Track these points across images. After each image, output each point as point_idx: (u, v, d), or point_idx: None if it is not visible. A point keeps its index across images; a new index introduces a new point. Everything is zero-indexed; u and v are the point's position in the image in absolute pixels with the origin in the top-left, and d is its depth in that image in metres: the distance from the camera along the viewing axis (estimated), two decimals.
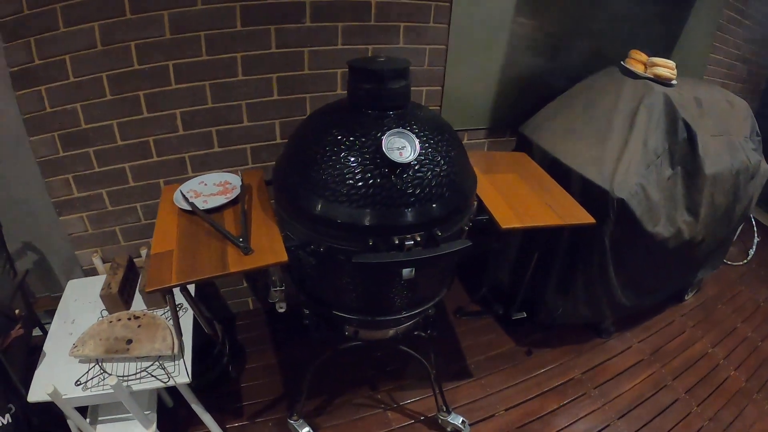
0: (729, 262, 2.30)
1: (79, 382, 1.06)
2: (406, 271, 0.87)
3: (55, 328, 1.20)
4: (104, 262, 1.41)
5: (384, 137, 0.84)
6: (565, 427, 1.44)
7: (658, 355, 1.71)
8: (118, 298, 1.21)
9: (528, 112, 1.72)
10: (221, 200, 1.06)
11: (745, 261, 2.32)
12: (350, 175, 0.85)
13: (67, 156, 1.25)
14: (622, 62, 1.60)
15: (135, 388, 1.06)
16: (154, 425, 1.14)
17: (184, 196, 1.06)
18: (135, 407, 1.07)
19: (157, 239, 0.95)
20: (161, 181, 1.38)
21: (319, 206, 0.87)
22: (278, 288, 0.92)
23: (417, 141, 0.86)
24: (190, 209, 1.01)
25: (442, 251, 0.86)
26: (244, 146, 1.42)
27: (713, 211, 1.51)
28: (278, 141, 1.45)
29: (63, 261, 1.46)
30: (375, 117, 0.90)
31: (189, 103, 1.30)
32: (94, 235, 1.40)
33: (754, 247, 2.36)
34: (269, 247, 0.90)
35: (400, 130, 0.86)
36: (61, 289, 1.33)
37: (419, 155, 0.86)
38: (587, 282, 1.51)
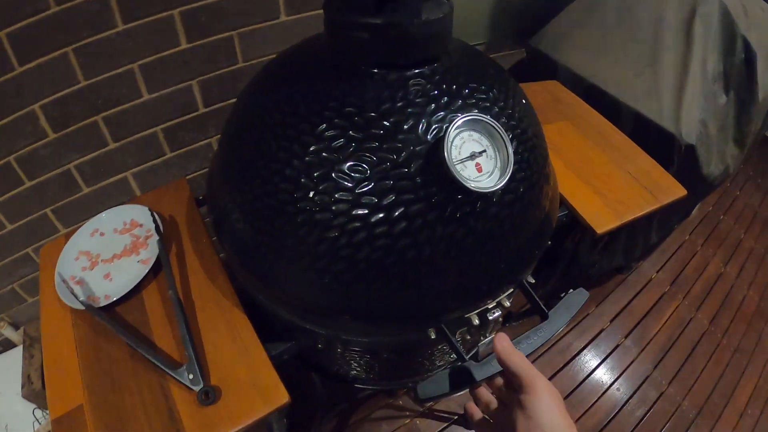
0: None
1: None
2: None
3: None
4: (17, 328, 1.02)
5: (447, 139, 0.43)
6: (609, 387, 1.33)
7: (678, 285, 1.64)
8: (44, 392, 0.85)
9: (538, 19, 1.26)
10: (133, 270, 0.64)
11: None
12: (366, 228, 0.45)
13: None
14: None
15: None
16: None
17: (65, 281, 0.63)
18: None
19: (52, 382, 0.57)
20: (47, 210, 0.93)
21: (323, 288, 0.49)
22: None
23: (505, 135, 0.46)
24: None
25: (560, 323, 0.54)
26: (152, 130, 0.95)
27: (755, 140, 1.26)
28: (202, 110, 0.98)
29: None
30: (392, 83, 0.46)
31: (49, 88, 0.79)
32: None
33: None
34: (247, 375, 0.53)
35: (475, 116, 0.45)
36: None
37: (516, 161, 0.48)
38: (630, 233, 1.25)
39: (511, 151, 0.46)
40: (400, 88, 0.46)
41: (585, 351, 1.42)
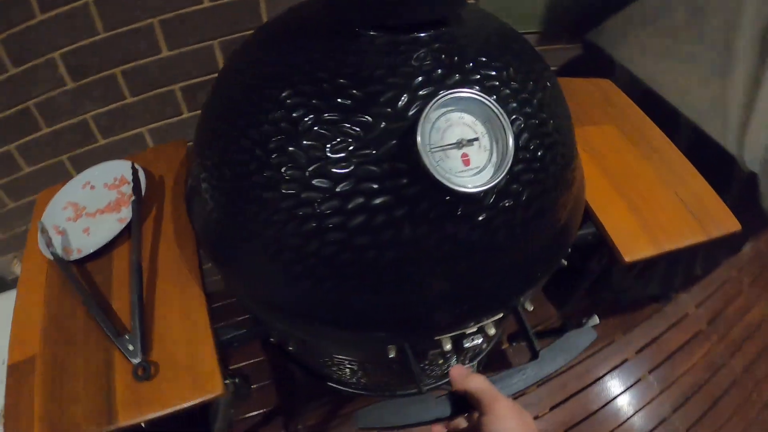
0: None
1: None
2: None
3: None
4: None
5: (421, 120, 0.35)
6: (620, 424, 1.22)
7: (716, 325, 1.46)
8: None
9: (598, 12, 1.13)
10: (110, 228, 0.62)
11: None
12: (333, 218, 0.38)
13: None
14: None
15: None
16: None
17: (43, 230, 0.62)
18: None
19: (16, 326, 0.57)
20: (64, 158, 0.94)
21: (271, 279, 0.44)
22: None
23: (507, 122, 0.37)
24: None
25: (552, 367, 0.45)
26: (170, 87, 0.93)
27: None
28: None
29: None
30: (380, 47, 0.39)
31: (69, 37, 0.79)
32: (6, 240, 1.03)
33: None
34: (188, 358, 0.49)
35: (470, 93, 0.36)
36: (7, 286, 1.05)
37: (516, 158, 0.38)
38: (671, 260, 1.12)
39: (511, 143, 0.37)
40: (386, 54, 0.39)
41: (603, 379, 1.30)
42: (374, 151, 0.37)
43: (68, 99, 0.86)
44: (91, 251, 0.60)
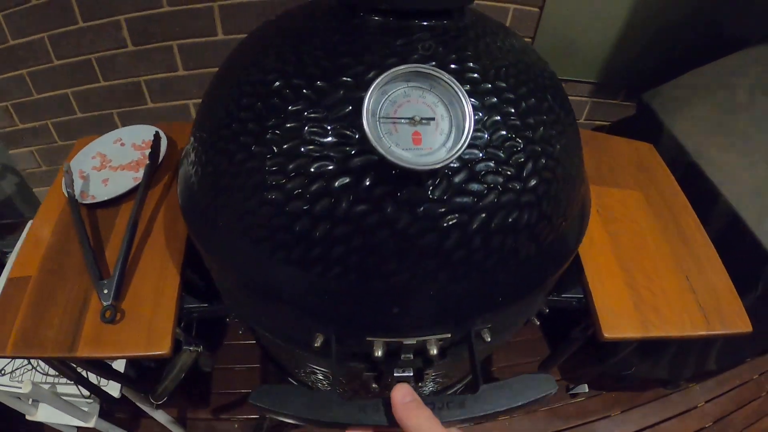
0: None
1: (3, 372, 0.89)
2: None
3: None
4: None
5: (374, 86, 0.33)
6: None
7: (723, 425, 1.33)
8: None
9: (657, 74, 1.09)
10: (126, 184, 0.68)
11: None
12: (288, 193, 0.37)
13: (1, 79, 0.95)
14: None
15: (61, 390, 0.87)
16: (95, 418, 0.96)
17: (68, 171, 0.68)
18: (65, 406, 0.87)
19: (24, 248, 0.63)
20: (114, 112, 1.02)
21: (225, 242, 0.43)
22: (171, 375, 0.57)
23: (467, 102, 0.34)
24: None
25: (492, 407, 0.40)
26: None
27: None
28: None
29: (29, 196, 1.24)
30: (379, 30, 0.39)
31: (136, 4, 0.86)
32: (49, 173, 1.13)
33: None
34: (150, 314, 0.53)
35: (421, 69, 0.34)
36: None
37: (473, 143, 0.36)
38: (681, 348, 1.05)
39: (468, 122, 0.34)
40: (373, 35, 0.38)
41: None
42: (326, 115, 0.36)
43: (127, 60, 0.94)
44: (103, 200, 0.65)
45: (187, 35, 0.92)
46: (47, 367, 0.89)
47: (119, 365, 0.84)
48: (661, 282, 0.67)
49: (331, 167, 0.35)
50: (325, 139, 0.36)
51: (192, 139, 0.47)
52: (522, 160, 0.38)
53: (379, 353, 0.43)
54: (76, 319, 0.53)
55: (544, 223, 0.42)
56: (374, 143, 0.32)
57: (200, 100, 0.49)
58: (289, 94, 0.37)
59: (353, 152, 0.35)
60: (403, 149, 0.33)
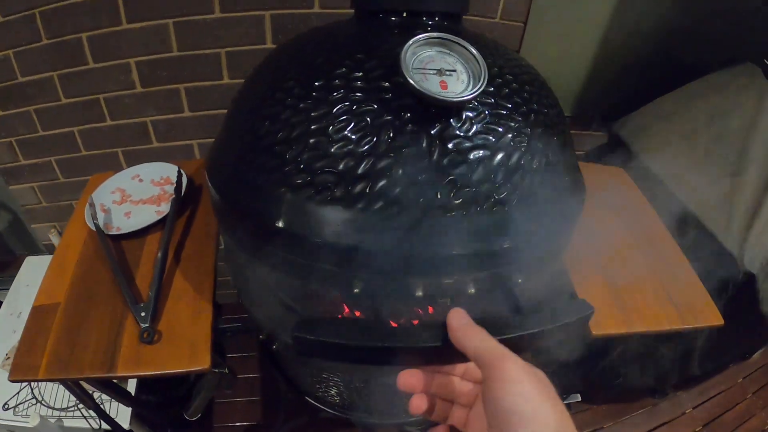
0: None
1: (7, 406, 0.88)
2: None
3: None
4: None
5: (407, 47, 0.42)
6: None
7: (712, 428, 1.41)
8: None
9: (624, 104, 1.22)
10: (148, 217, 0.72)
11: None
12: (332, 137, 0.42)
13: (6, 115, 0.98)
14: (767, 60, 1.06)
15: (67, 423, 0.87)
16: None
17: (91, 204, 0.73)
18: None
19: (49, 278, 0.65)
20: (119, 150, 1.06)
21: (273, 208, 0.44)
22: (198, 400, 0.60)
23: (480, 60, 0.44)
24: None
25: (543, 325, 0.40)
26: (225, 111, 1.04)
27: None
28: None
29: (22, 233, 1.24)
30: (391, 24, 0.49)
31: (146, 48, 0.93)
32: (49, 209, 1.14)
33: None
34: (187, 334, 0.57)
35: (444, 36, 0.44)
36: (38, 250, 1.16)
37: (487, 91, 0.44)
38: (663, 355, 1.12)
39: (483, 72, 0.42)
40: (391, 29, 0.49)
41: None
42: (366, 75, 0.44)
43: (134, 101, 0.99)
44: (129, 231, 0.69)
45: (194, 79, 0.99)
46: (53, 401, 0.88)
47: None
48: (639, 286, 0.76)
49: (374, 107, 0.42)
50: (368, 91, 0.43)
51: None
52: (524, 97, 0.48)
53: (419, 293, 0.43)
54: (112, 341, 0.56)
55: (550, 171, 0.48)
56: (413, 83, 0.40)
57: (204, 140, 0.56)
58: (330, 67, 0.45)
59: (391, 96, 0.43)
60: (438, 92, 0.41)
